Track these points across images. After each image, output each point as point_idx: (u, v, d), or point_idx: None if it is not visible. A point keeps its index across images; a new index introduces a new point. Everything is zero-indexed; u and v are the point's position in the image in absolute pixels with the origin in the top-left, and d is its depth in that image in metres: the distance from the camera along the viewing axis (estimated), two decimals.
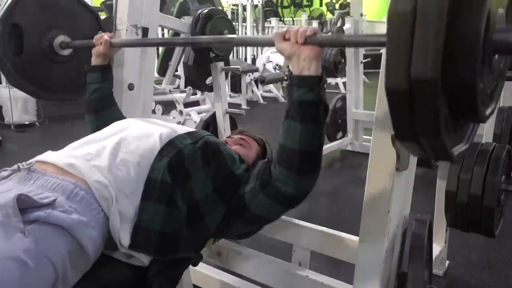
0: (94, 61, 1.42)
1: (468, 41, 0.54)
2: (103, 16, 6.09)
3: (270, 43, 1.02)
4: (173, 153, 1.04)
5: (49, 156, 1.01)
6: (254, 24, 7.29)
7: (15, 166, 0.95)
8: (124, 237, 0.95)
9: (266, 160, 1.28)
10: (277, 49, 1.01)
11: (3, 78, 4.88)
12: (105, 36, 1.38)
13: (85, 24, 1.71)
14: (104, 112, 1.39)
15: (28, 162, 0.98)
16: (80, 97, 1.73)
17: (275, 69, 6.32)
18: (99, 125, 1.35)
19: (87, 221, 0.88)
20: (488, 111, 0.66)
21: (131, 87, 1.66)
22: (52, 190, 0.89)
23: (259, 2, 7.16)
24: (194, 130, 1.19)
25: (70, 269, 0.85)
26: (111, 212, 0.94)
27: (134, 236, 0.96)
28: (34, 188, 0.89)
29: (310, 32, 0.95)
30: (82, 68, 1.44)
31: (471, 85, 0.57)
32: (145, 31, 1.73)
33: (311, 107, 0.97)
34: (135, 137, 1.08)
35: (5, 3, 1.50)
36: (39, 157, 1.01)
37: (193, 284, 1.51)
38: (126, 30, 1.64)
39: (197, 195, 1.05)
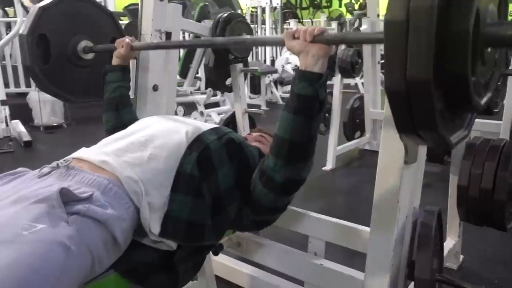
0: (115, 62, 1.50)
1: (457, 40, 0.59)
2: (126, 20, 6.27)
3: (281, 42, 1.08)
4: (201, 149, 1.11)
5: (83, 153, 1.10)
6: (273, 26, 7.36)
7: (54, 164, 1.05)
8: (154, 226, 1.04)
9: None
10: (287, 47, 1.06)
11: (33, 82, 5.10)
12: (127, 39, 1.47)
13: (103, 26, 1.81)
14: (124, 110, 1.47)
15: (65, 159, 1.07)
16: (100, 99, 1.84)
17: (294, 70, 6.38)
18: (117, 123, 1.44)
19: (119, 214, 0.97)
20: (483, 100, 0.71)
21: (155, 88, 1.76)
22: (89, 185, 0.98)
23: (277, 4, 7.22)
24: (218, 126, 1.27)
25: (105, 255, 0.94)
26: (141, 205, 1.02)
27: (164, 224, 1.04)
28: (73, 183, 0.98)
29: (318, 31, 1.00)
30: (103, 70, 1.52)
31: (463, 79, 0.62)
32: (168, 35, 1.83)
33: (306, 101, 1.02)
34: (162, 133, 1.16)
35: (31, 16, 1.59)
36: (75, 154, 1.10)
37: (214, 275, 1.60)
38: (151, 34, 1.74)
39: (221, 187, 1.12)
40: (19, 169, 1.07)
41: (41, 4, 1.61)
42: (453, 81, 0.63)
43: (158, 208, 1.05)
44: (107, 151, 1.10)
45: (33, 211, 0.85)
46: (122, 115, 1.46)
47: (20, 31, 1.59)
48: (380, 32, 0.91)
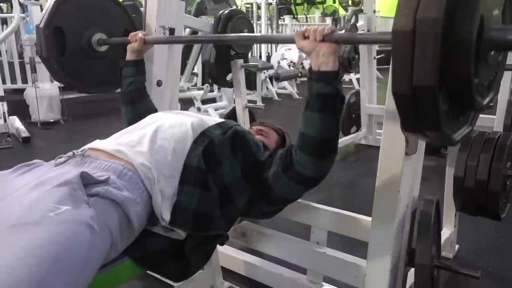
0: (129, 56, 1.52)
1: (461, 46, 0.63)
2: None
3: (291, 41, 1.12)
4: (206, 143, 1.17)
5: (98, 144, 1.15)
6: (269, 22, 7.39)
7: (70, 153, 1.10)
8: (165, 213, 1.09)
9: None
10: (297, 46, 1.10)
11: (30, 78, 5.10)
12: (140, 34, 1.50)
13: (116, 18, 1.85)
14: (139, 103, 1.51)
15: (81, 149, 1.12)
16: (115, 89, 1.86)
17: (289, 66, 6.42)
18: (134, 115, 1.49)
19: (134, 198, 1.02)
20: (486, 101, 0.75)
21: (159, 83, 1.80)
22: (105, 170, 1.03)
23: (273, 0, 7.25)
24: (224, 120, 1.31)
25: (119, 238, 0.99)
26: (154, 191, 1.07)
27: (173, 214, 1.09)
28: (90, 169, 1.02)
29: (328, 30, 1.03)
30: (117, 62, 1.55)
31: (466, 83, 0.65)
32: (171, 31, 1.86)
33: (329, 99, 1.06)
34: (169, 125, 1.21)
35: (46, 10, 1.64)
36: (90, 145, 1.15)
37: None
38: (155, 30, 1.78)
39: (226, 179, 1.18)
40: (34, 160, 1.11)
41: None
42: (457, 84, 0.66)
43: (167, 197, 1.10)
44: (120, 142, 1.15)
45: (56, 194, 0.90)
46: (137, 108, 1.51)
47: (37, 23, 1.64)
48: (387, 32, 0.91)
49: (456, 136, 0.74)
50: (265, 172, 1.21)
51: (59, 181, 0.93)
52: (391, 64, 0.67)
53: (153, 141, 1.15)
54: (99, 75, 1.78)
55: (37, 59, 4.68)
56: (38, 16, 5.02)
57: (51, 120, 4.81)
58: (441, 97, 0.65)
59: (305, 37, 1.07)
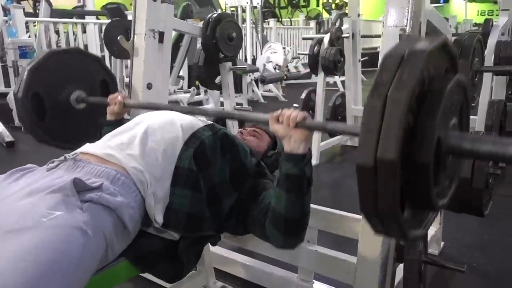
0: (109, 117, 1.52)
1: (421, 171, 0.67)
2: (104, 20, 6.22)
3: (266, 122, 1.14)
4: (197, 144, 1.18)
5: (89, 148, 1.16)
6: (254, 26, 7.43)
7: (61, 157, 1.11)
8: (158, 215, 1.10)
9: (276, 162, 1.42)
10: (271, 129, 1.12)
11: (12, 82, 5.03)
12: (119, 97, 1.48)
13: (92, 71, 1.78)
14: None
15: (72, 153, 1.13)
16: (96, 140, 1.82)
17: (275, 69, 6.46)
18: None
19: (127, 202, 1.03)
20: (445, 200, 0.79)
21: (149, 86, 1.81)
22: (98, 176, 1.04)
23: (258, 3, 7.28)
24: (212, 123, 1.33)
25: (116, 241, 1.01)
26: (147, 194, 1.09)
27: (166, 216, 1.11)
28: (82, 175, 1.04)
29: (300, 118, 1.06)
30: (95, 117, 1.55)
31: (427, 198, 0.70)
32: (161, 34, 1.88)
33: (296, 180, 1.08)
34: (159, 126, 1.22)
35: (21, 78, 1.57)
36: (81, 149, 1.16)
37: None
38: (145, 34, 1.79)
39: (215, 180, 1.20)
40: (28, 165, 1.11)
41: (30, 65, 1.59)
42: (420, 199, 0.71)
43: (160, 199, 1.12)
44: (111, 145, 1.16)
45: (50, 200, 0.91)
46: None
47: (14, 91, 1.58)
48: (356, 126, 0.98)
49: (423, 229, 0.78)
50: (253, 202, 1.23)
51: (52, 188, 0.94)
52: (358, 189, 0.70)
53: (144, 143, 1.16)
54: (80, 130, 1.70)
55: (20, 62, 4.63)
56: (20, 19, 4.97)
57: None
58: (405, 211, 0.70)
59: (279, 122, 1.09)
